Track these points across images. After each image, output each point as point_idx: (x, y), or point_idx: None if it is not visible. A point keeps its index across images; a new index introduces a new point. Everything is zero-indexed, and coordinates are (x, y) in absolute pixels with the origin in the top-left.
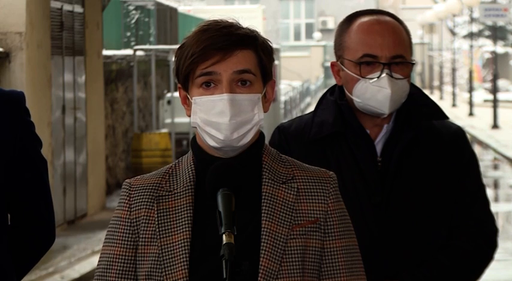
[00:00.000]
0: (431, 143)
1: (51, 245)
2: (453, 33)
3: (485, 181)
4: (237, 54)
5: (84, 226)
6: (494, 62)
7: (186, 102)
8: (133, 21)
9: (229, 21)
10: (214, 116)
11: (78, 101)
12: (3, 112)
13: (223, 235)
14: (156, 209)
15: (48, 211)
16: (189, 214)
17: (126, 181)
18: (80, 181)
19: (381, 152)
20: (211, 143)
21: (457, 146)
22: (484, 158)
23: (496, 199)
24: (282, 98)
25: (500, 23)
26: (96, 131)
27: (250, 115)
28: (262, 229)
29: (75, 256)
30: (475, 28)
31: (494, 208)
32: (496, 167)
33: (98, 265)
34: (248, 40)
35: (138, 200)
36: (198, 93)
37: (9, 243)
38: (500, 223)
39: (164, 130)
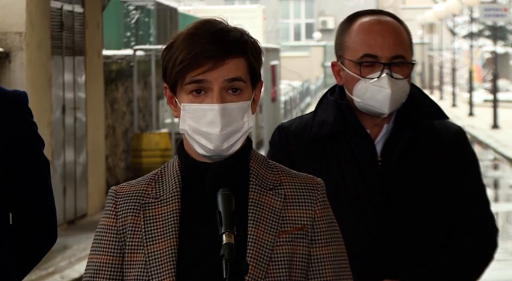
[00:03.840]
0: (431, 143)
1: (53, 246)
2: (453, 33)
3: (485, 181)
4: (228, 62)
5: (84, 226)
6: (494, 62)
7: (173, 102)
8: (133, 21)
9: (219, 23)
10: (204, 126)
11: (78, 101)
12: (5, 112)
13: (223, 235)
14: (142, 216)
15: (50, 211)
16: (175, 221)
17: (111, 188)
18: (80, 181)
19: (381, 151)
20: (200, 151)
21: (457, 146)
22: (484, 158)
23: (496, 199)
24: (282, 98)
25: (500, 23)
26: (96, 131)
27: (240, 124)
28: (249, 236)
29: (75, 256)
30: (475, 28)
31: (494, 208)
32: (496, 167)
33: (84, 273)
34: (239, 47)
35: (124, 208)
36: (187, 99)
37: (11, 243)
38: (500, 223)
39: (164, 130)
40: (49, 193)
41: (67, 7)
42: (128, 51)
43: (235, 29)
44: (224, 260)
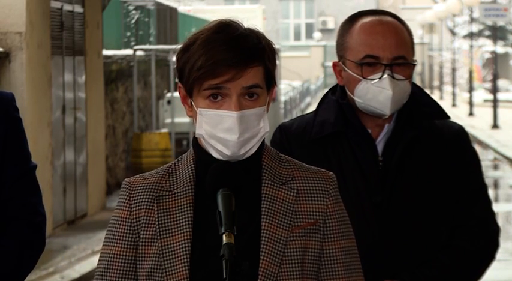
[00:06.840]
0: (432, 142)
1: (42, 249)
2: (453, 33)
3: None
4: (248, 72)
5: (84, 226)
6: (494, 62)
7: (187, 102)
8: (133, 21)
9: (236, 27)
10: (221, 132)
11: (78, 101)
12: None
13: (223, 235)
14: (156, 209)
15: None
16: (189, 214)
17: (125, 180)
18: (80, 181)
19: (382, 151)
20: (216, 155)
21: (458, 145)
22: (484, 158)
23: (496, 199)
24: (282, 98)
25: (500, 23)
26: (96, 131)
27: (256, 129)
28: (262, 231)
29: (75, 256)
30: (475, 28)
31: (494, 208)
32: (496, 167)
33: (98, 264)
34: (258, 54)
35: (138, 200)
36: (204, 104)
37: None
38: (500, 223)
39: (164, 130)
40: (35, 189)
41: (67, 7)
42: (128, 51)
43: (252, 33)
44: (224, 260)
